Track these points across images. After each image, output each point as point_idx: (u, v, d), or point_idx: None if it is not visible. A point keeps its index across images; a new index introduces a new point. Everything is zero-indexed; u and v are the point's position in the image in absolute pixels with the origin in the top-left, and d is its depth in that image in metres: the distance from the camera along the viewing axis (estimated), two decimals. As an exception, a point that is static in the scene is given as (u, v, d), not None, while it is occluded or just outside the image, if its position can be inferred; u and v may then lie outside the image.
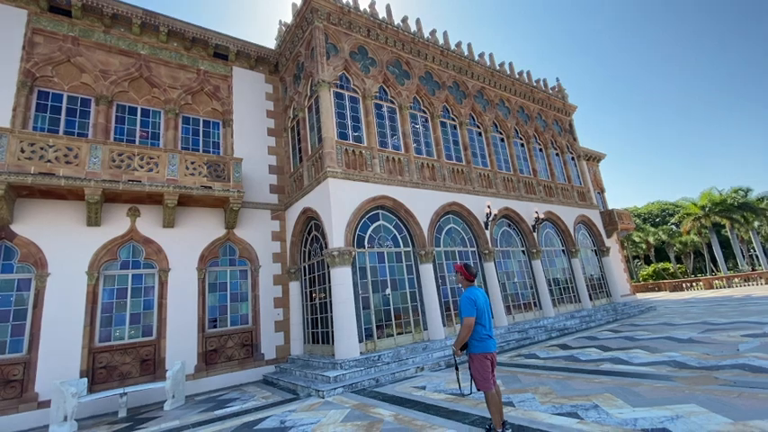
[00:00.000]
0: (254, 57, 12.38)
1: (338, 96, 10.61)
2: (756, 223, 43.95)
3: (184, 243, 9.81)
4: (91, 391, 7.88)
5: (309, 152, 10.71)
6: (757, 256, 45.41)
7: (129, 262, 9.20)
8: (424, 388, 6.78)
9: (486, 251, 12.11)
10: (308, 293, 10.76)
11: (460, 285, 4.52)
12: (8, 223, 7.97)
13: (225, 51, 11.92)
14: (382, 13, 12.38)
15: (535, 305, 13.27)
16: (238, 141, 11.49)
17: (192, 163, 9.66)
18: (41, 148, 7.98)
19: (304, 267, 11.07)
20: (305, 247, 11.07)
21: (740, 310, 12.88)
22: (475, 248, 12.28)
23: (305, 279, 10.98)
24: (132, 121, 10.21)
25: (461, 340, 4.10)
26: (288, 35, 11.97)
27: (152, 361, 8.83)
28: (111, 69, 10.05)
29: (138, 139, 10.12)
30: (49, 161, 7.99)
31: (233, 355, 9.85)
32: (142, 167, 8.99)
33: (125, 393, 7.53)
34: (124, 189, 8.61)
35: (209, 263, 10.13)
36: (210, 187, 9.68)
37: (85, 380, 7.48)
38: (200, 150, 10.93)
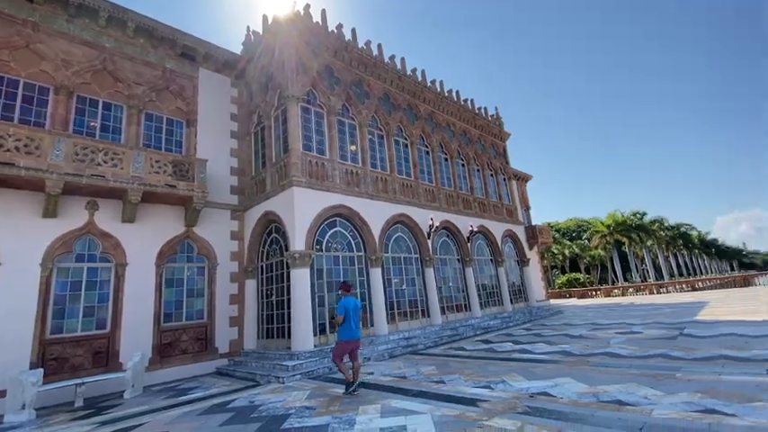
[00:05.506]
0: (221, 60, 12.77)
1: (305, 111, 11.50)
2: (649, 242, 52.13)
3: (143, 239, 10.02)
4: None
5: (274, 159, 11.45)
6: (648, 270, 53.68)
7: (84, 255, 9.25)
8: (372, 373, 8.01)
9: (428, 258, 13.71)
10: (265, 291, 11.46)
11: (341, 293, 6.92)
12: (-43, 211, 7.75)
13: (192, 52, 12.17)
14: (348, 36, 13.50)
15: (466, 307, 15.18)
16: (201, 142, 11.83)
17: (158, 161, 9.95)
18: (0, 137, 7.89)
19: (261, 266, 11.74)
20: (263, 247, 11.76)
21: (623, 314, 15.94)
22: (418, 255, 13.83)
23: (262, 278, 11.66)
24: (93, 113, 10.17)
25: (336, 324, 6.61)
26: (258, 45, 12.58)
27: (105, 353, 8.99)
28: (73, 59, 9.94)
29: (97, 133, 10.11)
30: (8, 150, 7.92)
31: (187, 349, 10.25)
32: (106, 163, 9.13)
33: (83, 383, 7.75)
34: (87, 183, 8.73)
35: (167, 259, 10.41)
36: (175, 186, 10.04)
37: (41, 370, 7.54)
38: (163, 148, 11.12)
